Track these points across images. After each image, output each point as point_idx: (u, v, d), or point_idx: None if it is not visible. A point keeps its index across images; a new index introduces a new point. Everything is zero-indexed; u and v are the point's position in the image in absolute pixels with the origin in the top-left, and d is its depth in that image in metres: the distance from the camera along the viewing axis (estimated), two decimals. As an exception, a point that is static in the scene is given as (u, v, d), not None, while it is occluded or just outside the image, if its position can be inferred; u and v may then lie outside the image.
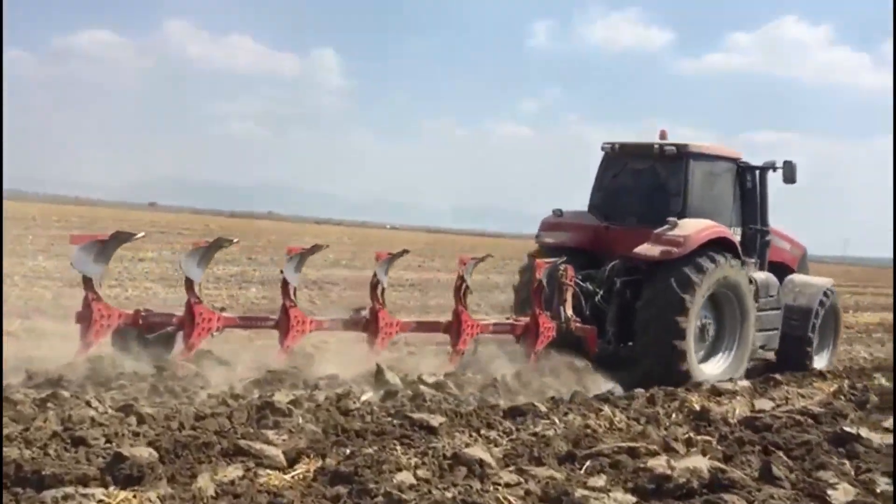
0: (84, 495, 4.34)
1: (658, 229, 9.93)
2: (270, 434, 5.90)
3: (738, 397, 8.42)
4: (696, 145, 10.60)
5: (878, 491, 5.35)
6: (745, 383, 9.14)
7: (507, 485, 5.15)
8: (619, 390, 8.84)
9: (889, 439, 7.05)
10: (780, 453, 6.20)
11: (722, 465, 5.53)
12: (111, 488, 4.55)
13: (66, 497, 4.28)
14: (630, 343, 10.10)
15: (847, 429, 7.01)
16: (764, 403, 8.15)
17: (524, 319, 9.67)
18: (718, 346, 10.34)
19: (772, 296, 11.02)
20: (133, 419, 6.07)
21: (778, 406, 8.18)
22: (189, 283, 8.00)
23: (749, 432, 6.89)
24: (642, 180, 10.83)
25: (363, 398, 7.27)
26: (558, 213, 11.17)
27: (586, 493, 4.92)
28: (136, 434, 5.71)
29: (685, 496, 5.19)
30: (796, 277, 11.84)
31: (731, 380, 9.20)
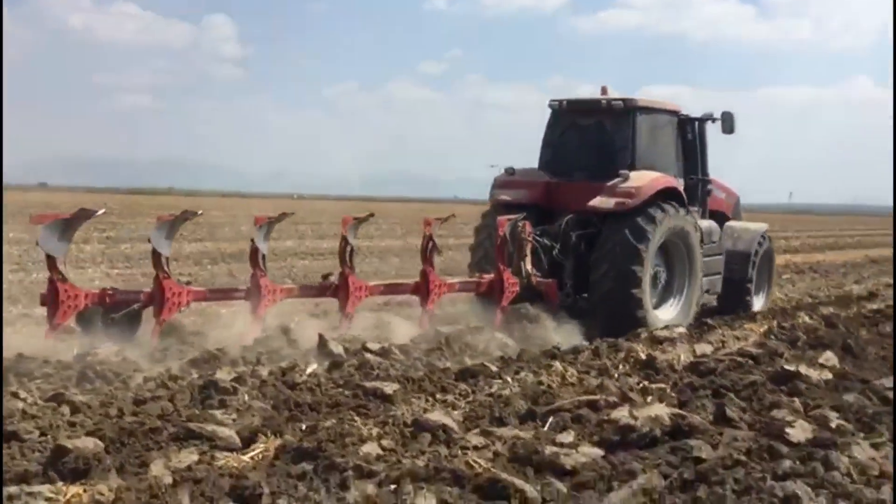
0: (30, 493, 4.00)
1: (609, 182, 10.20)
2: (218, 414, 5.60)
3: (679, 343, 8.53)
4: (641, 100, 10.85)
5: (833, 426, 5.46)
6: (682, 329, 9.27)
7: (476, 447, 5.04)
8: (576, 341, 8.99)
9: (827, 374, 7.26)
10: (731, 395, 6.28)
11: (681, 412, 5.55)
12: (58, 484, 4.21)
13: (10, 497, 3.93)
14: (586, 294, 10.34)
15: (787, 367, 7.18)
16: (704, 348, 8.27)
17: (489, 277, 9.77)
18: (669, 293, 10.70)
19: (714, 242, 11.38)
20: (66, 409, 5.68)
21: (717, 350, 8.32)
22: (157, 258, 7.89)
23: (696, 377, 6.97)
24: (590, 135, 11.03)
25: (308, 370, 7.02)
26: (510, 171, 11.28)
27: (555, 449, 4.83)
28: (73, 424, 5.33)
29: (650, 444, 5.17)
30: (734, 224, 12.21)
31: (667, 327, 9.31)
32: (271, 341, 8.01)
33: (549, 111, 11.32)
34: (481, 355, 8.06)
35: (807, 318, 10.65)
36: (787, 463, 4.60)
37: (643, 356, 7.60)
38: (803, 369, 7.18)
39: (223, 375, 6.50)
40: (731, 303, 11.74)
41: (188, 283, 9.37)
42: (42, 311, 10.66)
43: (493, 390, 6.44)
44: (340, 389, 6.41)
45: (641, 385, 6.53)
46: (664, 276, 10.60)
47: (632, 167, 10.45)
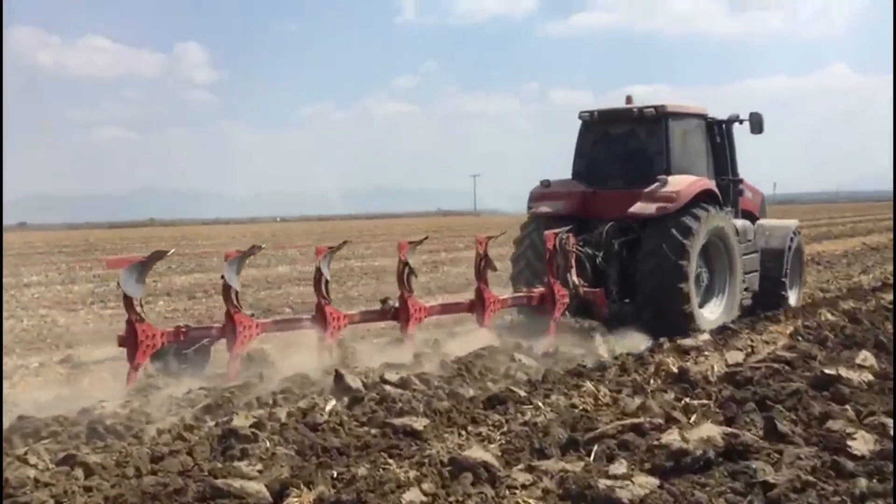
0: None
1: (648, 188, 10.33)
2: (243, 466, 5.24)
3: (707, 352, 8.23)
4: (672, 105, 11.01)
5: (896, 434, 5.17)
6: (706, 337, 8.98)
7: (523, 486, 4.71)
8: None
9: (867, 375, 6.98)
10: (778, 406, 5.99)
11: (732, 430, 5.24)
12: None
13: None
14: (628, 300, 10.50)
15: (827, 371, 6.89)
16: (735, 356, 7.97)
17: (539, 290, 9.88)
18: (711, 293, 10.81)
19: (749, 240, 11.55)
20: (80, 471, 5.30)
21: (748, 356, 8.02)
22: (227, 292, 8.13)
23: (735, 389, 6.67)
24: (623, 144, 11.21)
25: (328, 408, 6.68)
26: (546, 183, 11.38)
27: (609, 482, 4.53)
28: (89, 489, 4.97)
29: (705, 468, 4.88)
30: (765, 222, 12.38)
31: (692, 335, 9.02)
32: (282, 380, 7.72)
33: (579, 122, 11.50)
34: (504, 378, 7.74)
35: (829, 315, 10.38)
36: (862, 482, 4.31)
37: (675, 369, 7.30)
38: (843, 372, 6.90)
39: (241, 422, 6.14)
40: (767, 299, 11.80)
41: (252, 314, 9.05)
42: (38, 359, 10.46)
43: (526, 418, 6.11)
44: (366, 428, 6.07)
45: (683, 402, 6.20)
46: (706, 276, 10.69)
47: (667, 172, 10.58)
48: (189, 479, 5.04)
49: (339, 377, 7.28)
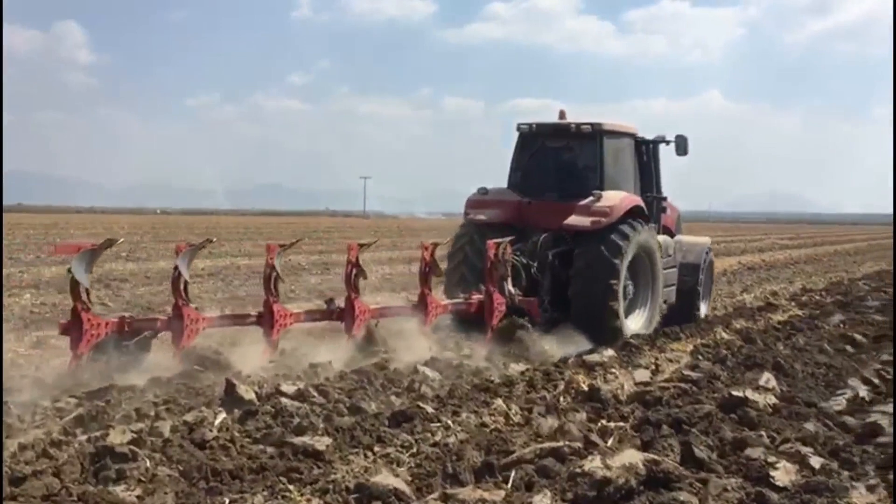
0: None
1: (582, 202, 10.71)
2: (119, 491, 4.65)
3: (613, 369, 8.06)
4: (608, 124, 11.38)
5: (816, 467, 5.06)
6: (610, 353, 8.83)
7: (440, 518, 4.31)
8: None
9: (771, 398, 6.95)
10: (694, 431, 5.82)
11: (653, 456, 5.01)
12: None
13: None
14: (562, 309, 10.59)
15: (734, 393, 6.82)
16: (642, 374, 7.85)
17: (478, 297, 9.96)
18: (635, 304, 11.18)
19: (670, 255, 12.01)
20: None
21: (654, 375, 7.90)
22: (176, 285, 7.96)
23: (647, 410, 6.50)
24: (559, 158, 11.57)
25: (217, 422, 6.09)
26: (483, 191, 11.64)
27: (533, 514, 4.19)
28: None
29: (626, 497, 4.62)
30: (683, 238, 12.85)
31: (595, 351, 8.86)
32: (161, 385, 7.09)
33: (516, 134, 11.73)
34: (407, 392, 7.32)
35: (724, 334, 10.49)
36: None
37: (585, 387, 7.07)
38: (749, 394, 6.85)
39: (117, 437, 5.49)
40: (682, 311, 12.28)
41: (196, 308, 8.61)
42: None
43: (437, 438, 5.71)
44: (261, 447, 5.53)
45: (599, 425, 5.95)
46: (631, 289, 11.01)
47: (600, 187, 10.96)
48: (56, 505, 4.41)
49: (230, 387, 6.68)
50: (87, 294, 7.46)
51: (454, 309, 9.93)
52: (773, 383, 7.47)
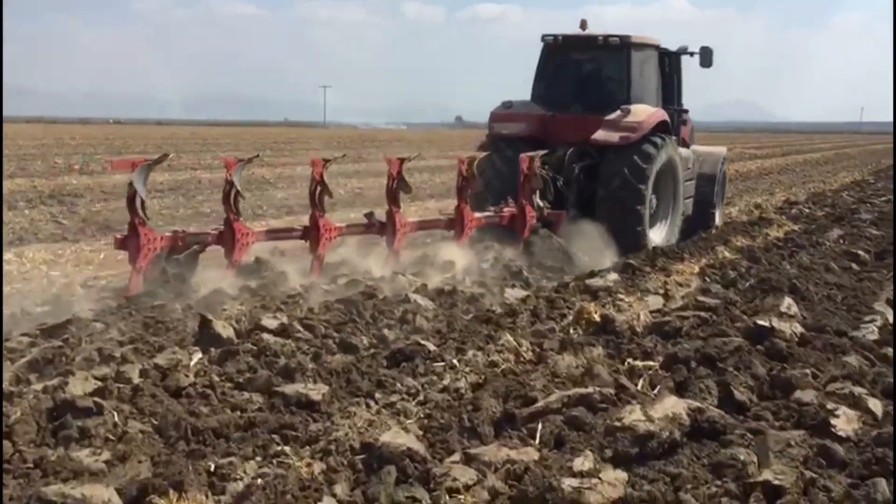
0: None
1: (610, 116, 10.67)
2: (84, 456, 3.94)
3: (620, 294, 7.43)
4: (635, 36, 11.24)
5: (879, 414, 4.52)
6: (614, 276, 8.21)
7: (466, 486, 3.69)
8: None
9: (797, 327, 6.40)
10: (730, 369, 5.24)
11: (696, 404, 4.42)
12: None
13: None
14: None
15: (760, 322, 6.27)
16: (654, 301, 7.24)
17: (511, 209, 10.02)
18: (657, 217, 11.21)
19: (689, 168, 12.02)
20: None
21: (666, 302, 7.30)
22: (227, 198, 7.98)
23: (668, 344, 5.92)
24: (586, 70, 11.64)
25: (193, 363, 5.38)
26: (507, 104, 11.49)
27: (575, 483, 3.58)
28: None
29: (670, 452, 4.06)
30: (700, 148, 12.87)
31: (598, 275, 8.22)
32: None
33: (541, 45, 11.57)
34: (400, 324, 6.64)
35: (726, 253, 9.96)
36: (882, 486, 3.56)
37: (597, 317, 6.43)
38: (775, 322, 6.30)
39: (78, 387, 4.75)
40: (697, 221, 12.44)
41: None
42: None
43: (445, 383, 5.06)
44: (247, 395, 4.84)
45: (627, 364, 5.33)
46: (654, 202, 11.02)
47: (627, 101, 10.92)
48: (7, 474, 3.70)
49: (204, 323, 5.93)
50: (144, 208, 7.33)
51: (487, 222, 9.91)
52: (794, 309, 6.92)
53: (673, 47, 12.34)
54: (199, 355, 5.58)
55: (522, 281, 8.64)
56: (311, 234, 8.55)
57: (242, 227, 8.04)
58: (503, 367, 5.42)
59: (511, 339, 5.81)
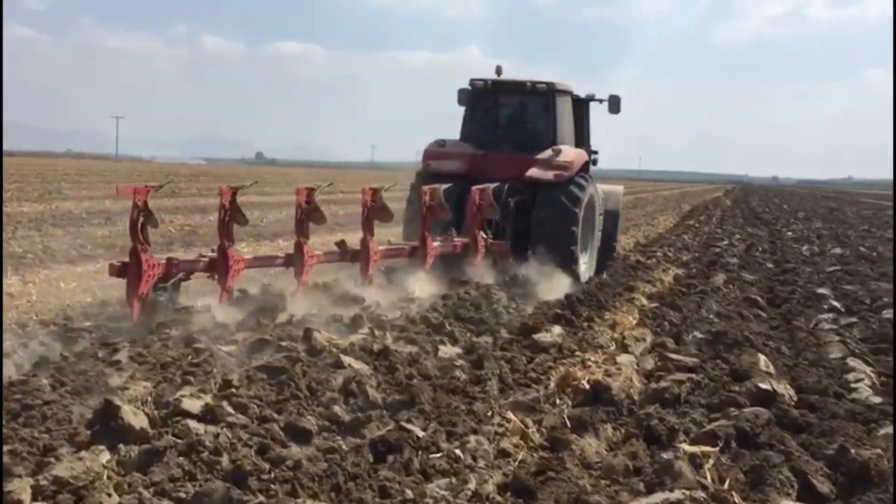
0: None
1: (541, 155, 11.47)
2: None
3: (577, 353, 6.51)
4: (559, 83, 12.14)
5: None
6: (558, 329, 7.26)
7: None
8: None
9: (788, 388, 5.80)
10: (774, 447, 4.45)
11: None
12: None
13: None
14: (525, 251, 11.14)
15: (763, 386, 5.60)
16: (625, 360, 6.35)
17: (463, 239, 10.38)
18: (582, 248, 11.75)
19: (600, 205, 12.57)
20: None
21: (640, 363, 6.45)
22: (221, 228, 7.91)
23: (663, 409, 5.11)
24: (514, 113, 12.37)
25: (98, 465, 3.83)
26: (441, 143, 12.05)
27: None
28: None
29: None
30: (604, 186, 13.44)
31: (545, 331, 7.23)
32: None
33: (469, 88, 12.29)
34: (345, 396, 5.33)
35: (643, 300, 9.40)
36: None
37: (585, 384, 5.47)
38: (771, 385, 5.67)
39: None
40: (603, 253, 12.95)
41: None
42: None
43: (471, 486, 3.86)
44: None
45: (682, 450, 4.36)
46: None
47: (552, 142, 11.70)
48: None
49: (108, 410, 4.35)
50: (146, 233, 7.24)
51: (442, 251, 10.13)
52: (770, 365, 6.35)
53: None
54: (107, 455, 4.04)
55: (446, 335, 7.55)
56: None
57: (234, 255, 8.00)
58: (520, 456, 4.31)
59: (517, 422, 4.69)
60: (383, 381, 5.79)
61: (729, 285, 11.23)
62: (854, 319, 8.75)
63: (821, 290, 10.83)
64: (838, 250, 17.36)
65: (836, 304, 9.81)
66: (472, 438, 4.43)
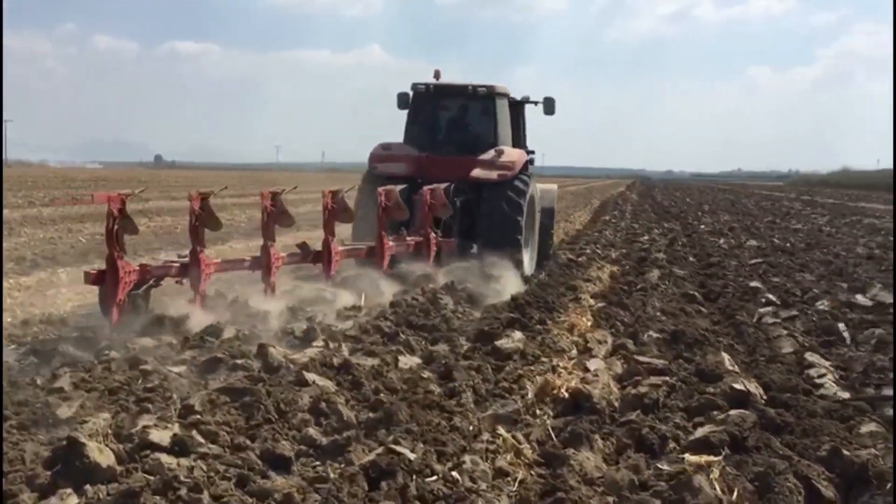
0: None
1: (485, 157, 11.93)
2: None
3: (554, 360, 6.38)
4: (498, 86, 12.62)
5: None
6: (518, 335, 7.10)
7: None
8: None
9: (758, 387, 5.83)
10: (774, 451, 4.41)
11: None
12: None
13: None
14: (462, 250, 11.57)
15: (737, 386, 5.61)
16: (595, 365, 6.22)
17: (416, 238, 10.72)
18: (525, 244, 12.05)
19: (538, 202, 12.98)
20: None
21: (611, 366, 6.33)
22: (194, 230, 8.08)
23: (643, 415, 5.07)
24: (456, 116, 12.89)
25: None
26: (386, 146, 12.41)
27: None
28: None
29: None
30: (539, 185, 13.62)
31: (508, 337, 7.05)
32: None
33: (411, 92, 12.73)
34: (316, 416, 5.04)
35: (590, 299, 9.36)
36: None
37: (565, 392, 5.33)
38: (744, 384, 5.68)
39: None
40: (541, 248, 13.46)
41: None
42: None
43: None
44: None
45: (686, 462, 4.23)
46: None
47: (494, 144, 12.20)
48: None
49: (72, 447, 3.94)
50: (122, 240, 7.33)
51: (398, 250, 10.40)
52: (733, 364, 6.38)
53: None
54: (75, 500, 3.66)
55: (401, 344, 7.31)
56: (263, 262, 8.66)
57: (206, 259, 8.10)
58: (519, 476, 4.13)
59: (507, 434, 4.52)
60: (351, 398, 5.52)
61: (664, 281, 11.34)
62: (794, 312, 8.91)
63: (753, 284, 11.05)
64: (753, 242, 17.88)
65: (771, 297, 10.00)
66: (467, 458, 4.22)
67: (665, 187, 77.12)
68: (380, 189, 10.13)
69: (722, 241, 18.36)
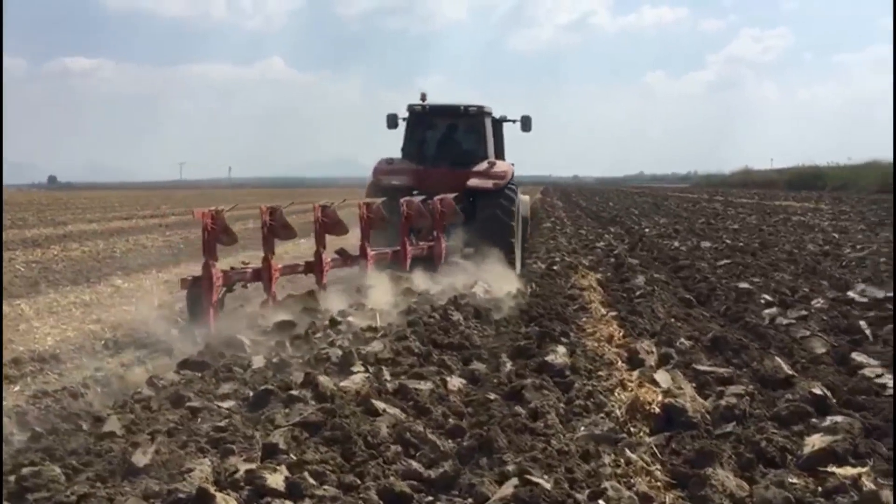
0: None
1: (479, 168, 13.36)
2: None
3: (608, 372, 6.20)
4: (485, 106, 14.09)
5: None
6: (562, 349, 6.91)
7: None
8: None
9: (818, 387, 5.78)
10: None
11: None
12: None
13: None
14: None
15: (815, 391, 5.53)
16: (662, 378, 6.04)
17: (427, 244, 11.87)
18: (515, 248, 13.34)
19: (521, 211, 14.05)
20: None
21: (675, 380, 6.17)
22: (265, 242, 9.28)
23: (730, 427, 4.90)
24: (449, 133, 14.27)
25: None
26: (389, 160, 13.75)
27: None
28: None
29: None
30: (519, 196, 14.25)
31: (540, 351, 6.88)
32: None
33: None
34: (397, 460, 4.72)
35: (601, 308, 9.25)
36: None
37: (657, 407, 5.15)
38: (822, 389, 5.62)
39: None
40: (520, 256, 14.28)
41: None
42: None
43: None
44: None
45: (815, 488, 4.07)
46: None
47: (484, 157, 13.69)
48: None
49: (202, 500, 3.53)
50: (214, 251, 8.48)
51: (415, 254, 11.49)
52: (791, 369, 6.36)
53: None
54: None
55: (437, 364, 7.01)
56: (316, 267, 9.91)
57: (274, 264, 9.29)
58: (668, 501, 3.92)
59: (634, 455, 4.30)
60: (427, 426, 5.23)
61: (652, 286, 11.34)
62: (803, 312, 8.97)
63: (743, 285, 11.14)
64: (707, 244, 18.15)
65: (767, 297, 10.08)
66: (608, 485, 3.99)
67: (579, 192, 78.18)
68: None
69: (676, 243, 18.60)
